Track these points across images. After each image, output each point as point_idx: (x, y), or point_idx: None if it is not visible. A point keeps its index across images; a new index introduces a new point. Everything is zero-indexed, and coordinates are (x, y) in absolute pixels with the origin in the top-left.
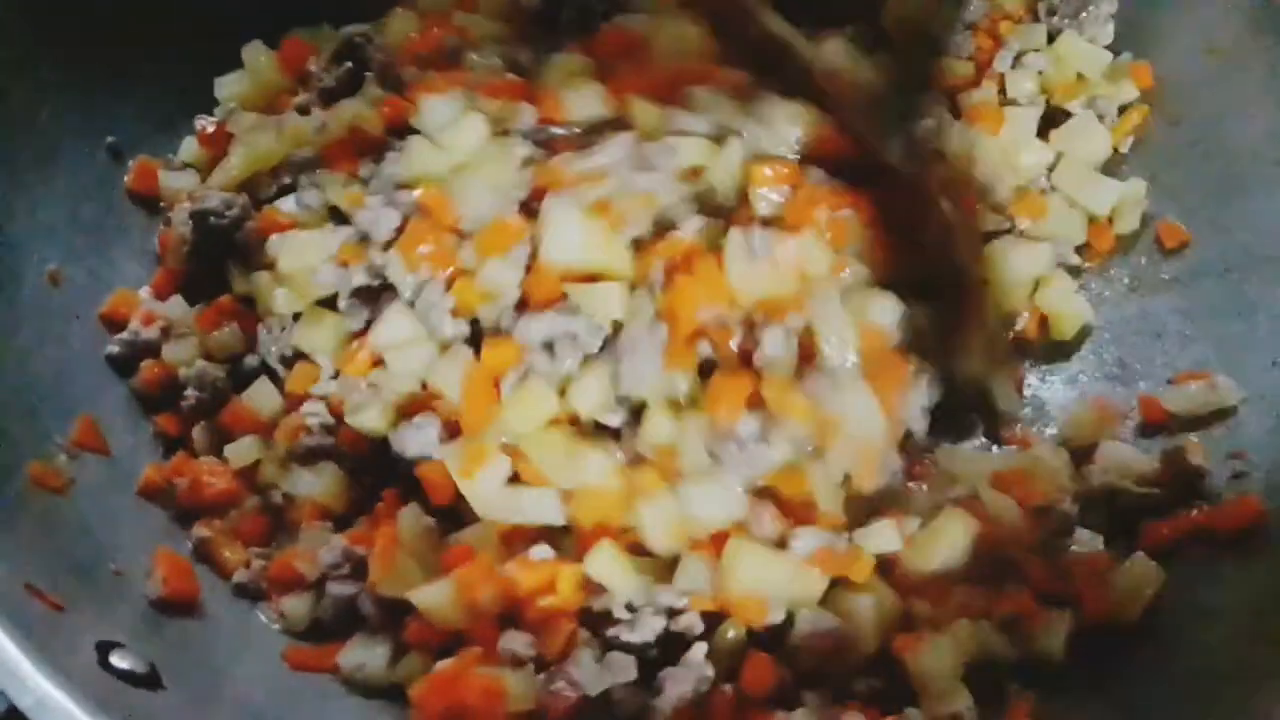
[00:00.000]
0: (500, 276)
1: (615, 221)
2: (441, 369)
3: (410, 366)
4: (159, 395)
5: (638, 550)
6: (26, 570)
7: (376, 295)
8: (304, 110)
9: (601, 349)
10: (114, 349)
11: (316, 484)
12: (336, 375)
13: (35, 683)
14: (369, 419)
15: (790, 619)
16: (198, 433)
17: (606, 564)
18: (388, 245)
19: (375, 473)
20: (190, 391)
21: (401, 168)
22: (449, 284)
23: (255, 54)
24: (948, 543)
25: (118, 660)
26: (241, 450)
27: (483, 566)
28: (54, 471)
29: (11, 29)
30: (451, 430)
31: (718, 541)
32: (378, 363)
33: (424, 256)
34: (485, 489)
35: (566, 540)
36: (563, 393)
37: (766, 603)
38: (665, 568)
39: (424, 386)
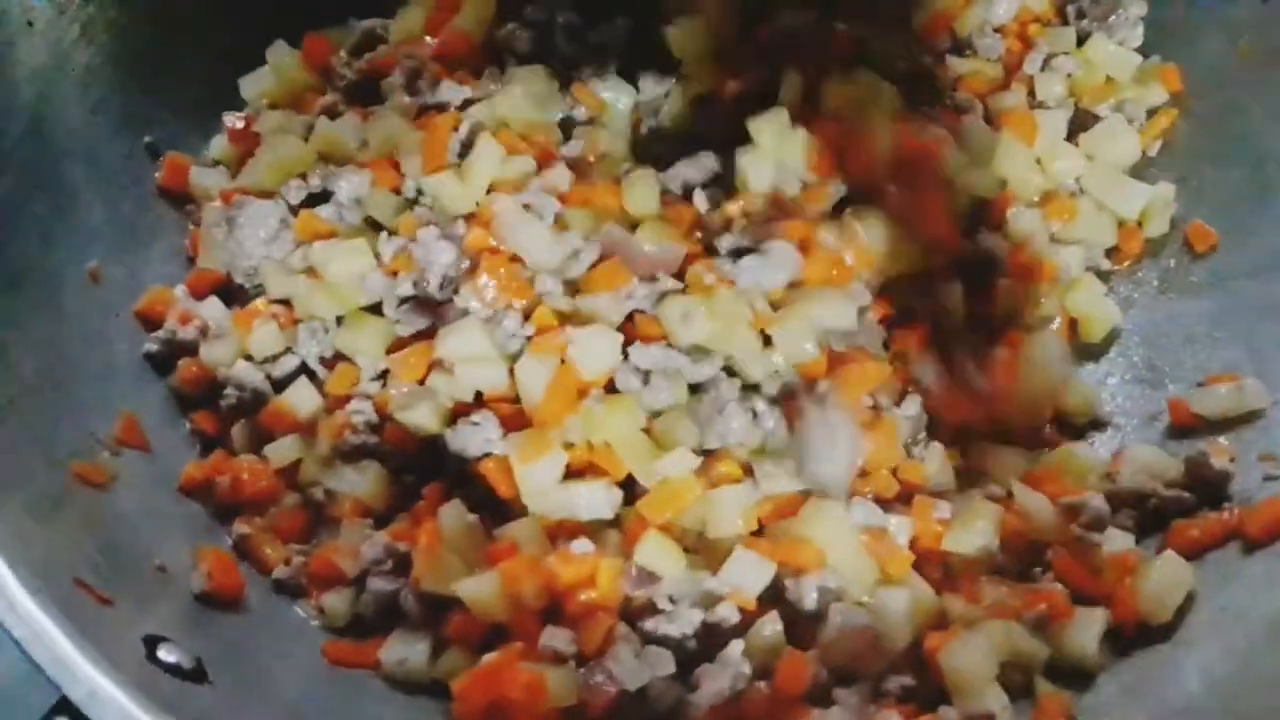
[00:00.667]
0: (606, 311)
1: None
2: (528, 369)
3: (478, 379)
4: (197, 394)
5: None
6: (74, 565)
7: (433, 306)
8: (331, 111)
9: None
10: (152, 347)
11: (360, 482)
12: (380, 377)
13: (86, 674)
14: (421, 417)
15: (823, 614)
16: (237, 431)
17: (656, 551)
18: (446, 274)
19: (418, 471)
20: (230, 391)
21: (442, 204)
22: (526, 314)
23: (279, 53)
24: (979, 528)
25: (165, 654)
26: (282, 450)
27: (527, 560)
28: (97, 468)
29: (50, 31)
30: (508, 429)
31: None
32: (430, 368)
33: (497, 289)
34: (540, 481)
35: (607, 536)
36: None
37: (825, 557)
38: (706, 564)
39: (479, 396)
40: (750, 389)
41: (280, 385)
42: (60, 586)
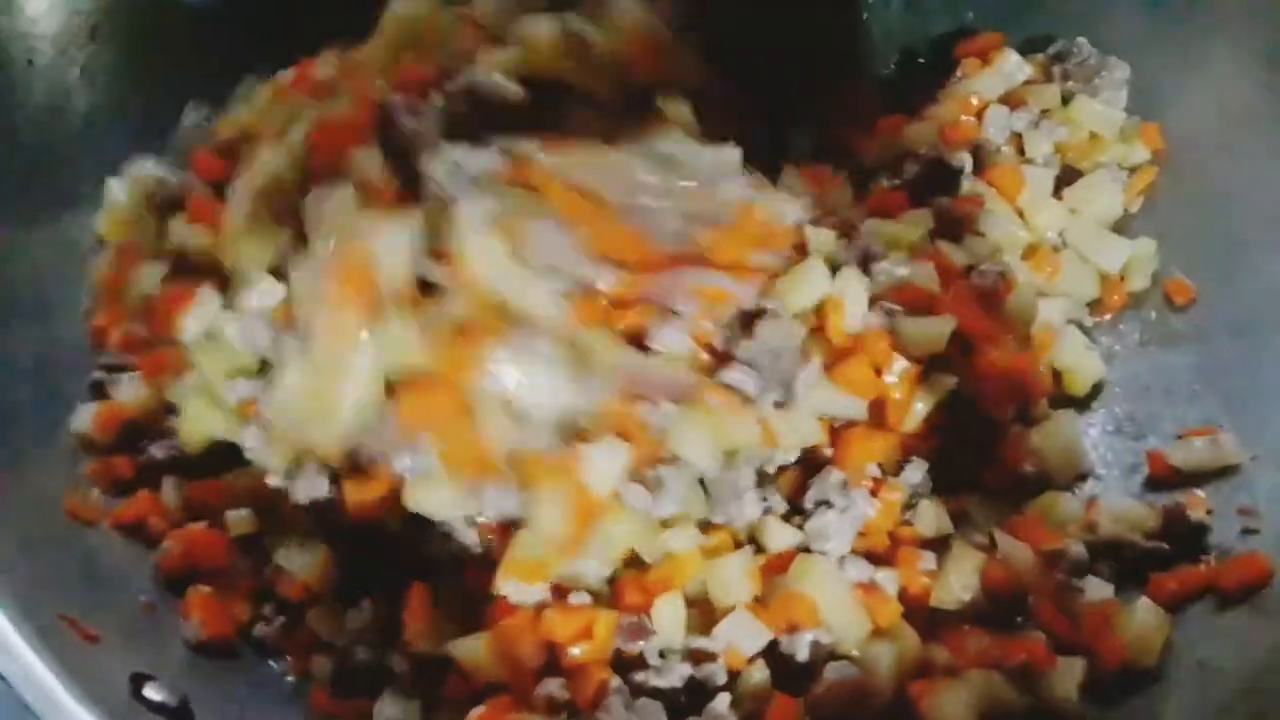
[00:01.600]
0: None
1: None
2: (545, 503)
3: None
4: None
5: None
6: (60, 601)
7: None
8: None
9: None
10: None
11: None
12: None
13: (72, 712)
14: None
15: (817, 666)
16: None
17: (672, 614)
18: None
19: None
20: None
21: None
22: None
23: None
24: (964, 580)
25: (151, 692)
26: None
27: (525, 618)
28: (87, 505)
29: (50, 73)
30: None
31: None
32: None
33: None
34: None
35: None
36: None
37: (818, 613)
38: (701, 617)
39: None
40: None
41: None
42: (46, 623)
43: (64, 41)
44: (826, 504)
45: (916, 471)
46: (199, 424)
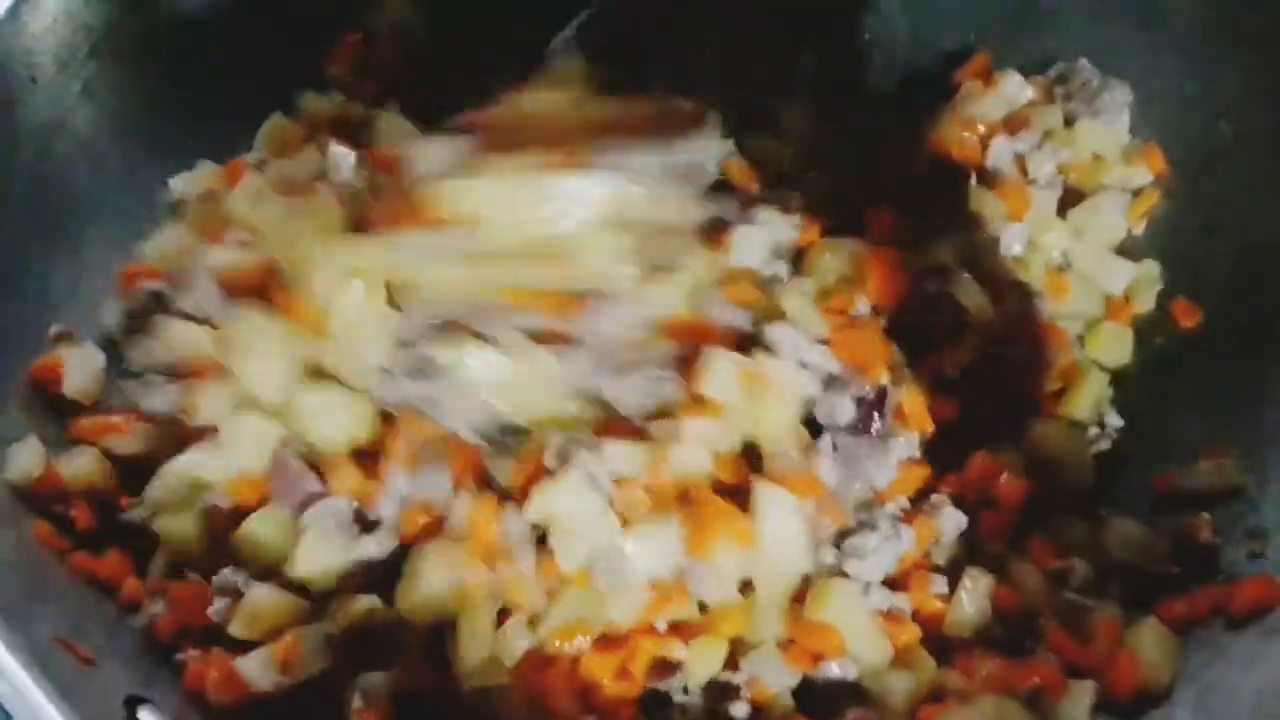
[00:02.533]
0: None
1: None
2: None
3: None
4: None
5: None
6: (56, 624)
7: None
8: None
9: None
10: None
11: None
12: None
13: None
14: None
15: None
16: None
17: (710, 658)
18: None
19: None
20: None
21: None
22: None
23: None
24: (975, 604)
25: (146, 715)
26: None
27: (563, 669)
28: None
29: (52, 88)
30: None
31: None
32: None
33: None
34: None
35: None
36: None
37: (841, 640)
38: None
39: None
40: None
41: None
42: (41, 646)
43: (66, 57)
44: (871, 526)
45: (941, 503)
46: None
